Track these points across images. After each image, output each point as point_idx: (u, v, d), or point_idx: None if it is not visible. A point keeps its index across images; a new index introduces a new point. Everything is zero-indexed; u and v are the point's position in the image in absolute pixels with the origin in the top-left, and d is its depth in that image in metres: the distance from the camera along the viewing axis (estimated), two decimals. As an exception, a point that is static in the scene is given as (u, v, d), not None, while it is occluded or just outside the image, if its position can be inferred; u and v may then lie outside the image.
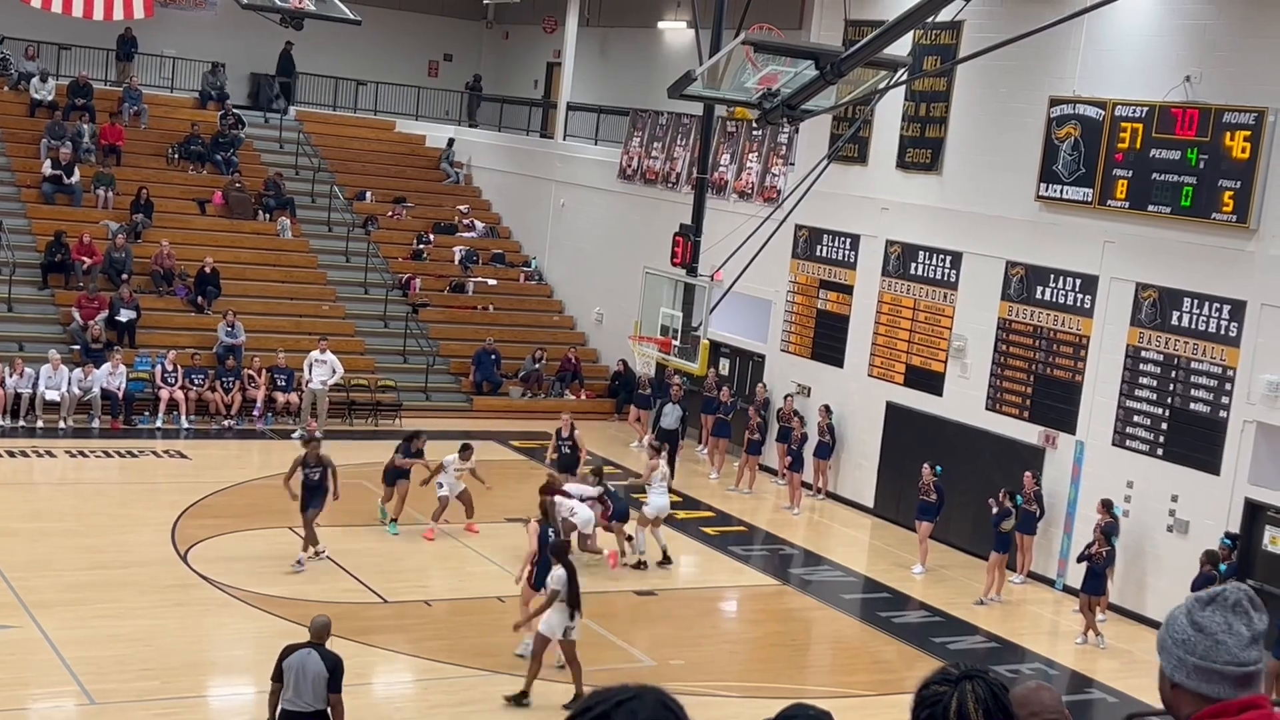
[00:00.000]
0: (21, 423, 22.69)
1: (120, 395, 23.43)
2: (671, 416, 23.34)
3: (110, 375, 23.38)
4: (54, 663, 13.41)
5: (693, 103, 22.59)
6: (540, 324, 30.27)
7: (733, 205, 25.00)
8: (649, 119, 28.56)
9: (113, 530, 18.01)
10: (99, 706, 12.78)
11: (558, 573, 13.57)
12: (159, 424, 23.69)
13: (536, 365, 27.85)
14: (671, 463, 22.71)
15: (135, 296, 25.43)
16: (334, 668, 10.48)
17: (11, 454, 21.22)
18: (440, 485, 19.05)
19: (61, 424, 22.83)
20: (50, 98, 29.83)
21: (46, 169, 27.88)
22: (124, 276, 25.82)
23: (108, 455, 21.83)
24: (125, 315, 24.98)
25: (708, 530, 20.79)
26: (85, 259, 25.93)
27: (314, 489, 17.18)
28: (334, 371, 24.56)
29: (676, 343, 21.03)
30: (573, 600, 13.51)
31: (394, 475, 19.31)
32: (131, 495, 19.70)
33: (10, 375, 22.76)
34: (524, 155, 32.73)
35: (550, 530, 15.59)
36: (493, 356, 27.63)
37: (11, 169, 28.25)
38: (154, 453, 22.15)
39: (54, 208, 27.58)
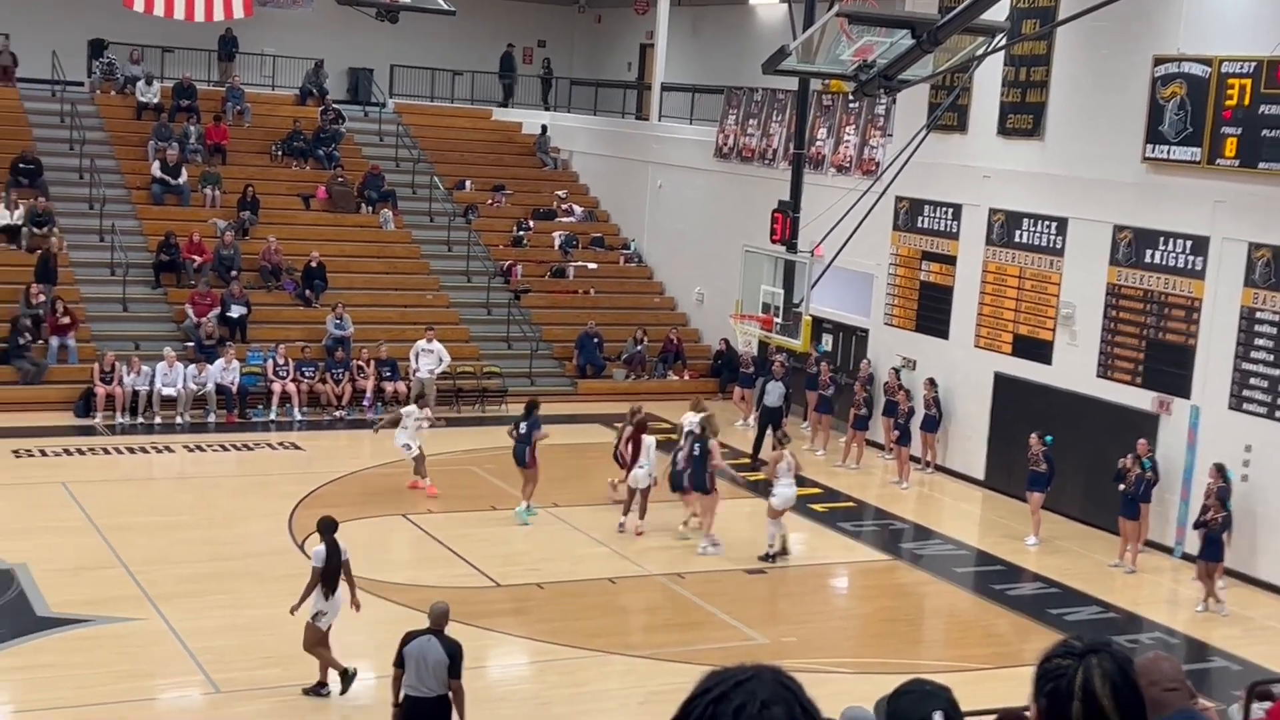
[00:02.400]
0: (140, 419, 23.23)
1: (234, 390, 23.89)
2: (774, 394, 23.24)
3: (224, 370, 23.85)
4: (179, 653, 13.73)
5: (788, 78, 22.44)
6: (641, 306, 30.29)
7: (831, 179, 24.81)
8: (744, 96, 28.41)
9: (231, 522, 18.37)
10: (224, 695, 13.07)
11: (318, 549, 12.81)
12: (273, 417, 24.10)
13: (639, 347, 27.90)
14: (777, 440, 22.62)
15: (245, 292, 25.90)
16: (454, 654, 10.58)
17: (131, 450, 21.74)
18: (408, 445, 19.56)
19: (178, 419, 23.34)
20: (156, 100, 30.44)
21: (155, 170, 28.47)
22: (233, 273, 26.30)
23: (224, 449, 22.28)
24: (236, 311, 25.46)
25: (816, 507, 20.68)
26: (195, 257, 26.45)
27: None
28: (441, 360, 24.80)
29: (778, 320, 20.96)
30: (329, 579, 12.71)
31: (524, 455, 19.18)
32: (248, 487, 20.09)
33: (128, 374, 23.30)
34: (620, 138, 32.74)
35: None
36: (595, 340, 27.72)
37: (121, 171, 28.89)
38: (269, 445, 22.57)
39: (163, 208, 28.16)
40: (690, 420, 19.36)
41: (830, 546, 19.06)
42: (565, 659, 14.33)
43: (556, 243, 31.05)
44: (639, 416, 19.26)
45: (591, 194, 33.48)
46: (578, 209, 32.50)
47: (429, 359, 24.69)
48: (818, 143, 25.77)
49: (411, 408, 20.28)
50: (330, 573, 12.71)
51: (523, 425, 18.98)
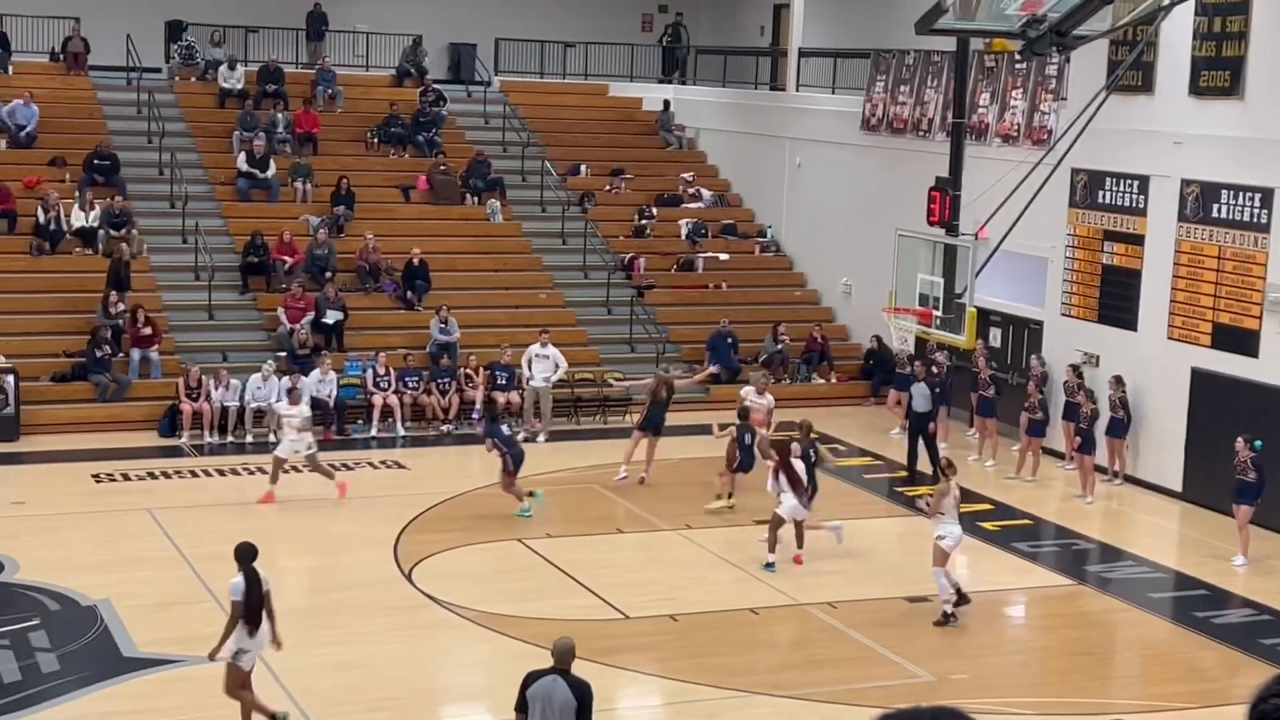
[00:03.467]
0: (230, 438, 23.74)
1: (331, 403, 24.29)
2: (919, 398, 23.00)
3: (320, 382, 24.23)
4: (278, 694, 13.98)
5: (944, 37, 22.27)
6: (780, 300, 30.19)
7: (996, 151, 24.54)
8: (894, 60, 28.20)
9: (331, 550, 18.72)
10: (328, 740, 13.30)
11: (235, 581, 12.72)
12: (374, 432, 24.47)
13: (779, 347, 27.82)
14: (931, 451, 22.46)
15: (341, 296, 26.33)
16: (583, 695, 10.59)
17: (221, 472, 22.21)
18: (311, 448, 20.43)
19: (271, 438, 23.79)
20: (240, 86, 31.13)
21: (240, 163, 29.10)
22: (328, 275, 26.75)
23: (321, 469, 22.67)
24: (332, 316, 25.89)
25: (986, 525, 20.44)
26: (286, 258, 26.97)
27: None
28: (557, 367, 24.93)
29: (938, 313, 20.77)
30: (250, 615, 12.61)
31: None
32: (349, 511, 20.40)
33: (216, 388, 23.82)
34: (752, 112, 32.70)
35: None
36: (729, 340, 27.69)
37: (203, 165, 29.60)
38: (370, 464, 22.92)
39: (250, 204, 28.79)
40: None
41: (1004, 570, 18.81)
42: (704, 699, 14.34)
43: (683, 232, 31.08)
44: (795, 438, 18.93)
45: (721, 176, 33.47)
46: (706, 193, 32.50)
47: (544, 365, 24.84)
48: (980, 110, 25.49)
49: (283, 403, 20.99)
50: (252, 606, 12.70)
51: (505, 428, 20.66)
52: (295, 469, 20.58)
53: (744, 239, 31.63)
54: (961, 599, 16.57)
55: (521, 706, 10.70)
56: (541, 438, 24.52)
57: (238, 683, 12.74)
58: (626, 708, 14.40)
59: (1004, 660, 15.97)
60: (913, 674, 15.07)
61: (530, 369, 24.85)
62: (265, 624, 12.82)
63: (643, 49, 36.37)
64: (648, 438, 21.63)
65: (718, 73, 35.48)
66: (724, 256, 30.74)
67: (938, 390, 23.25)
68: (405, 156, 31.22)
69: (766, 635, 16.33)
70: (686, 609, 16.74)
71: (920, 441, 22.80)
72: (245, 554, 12.96)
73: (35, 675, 14.29)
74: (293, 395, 21.34)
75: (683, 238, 30.99)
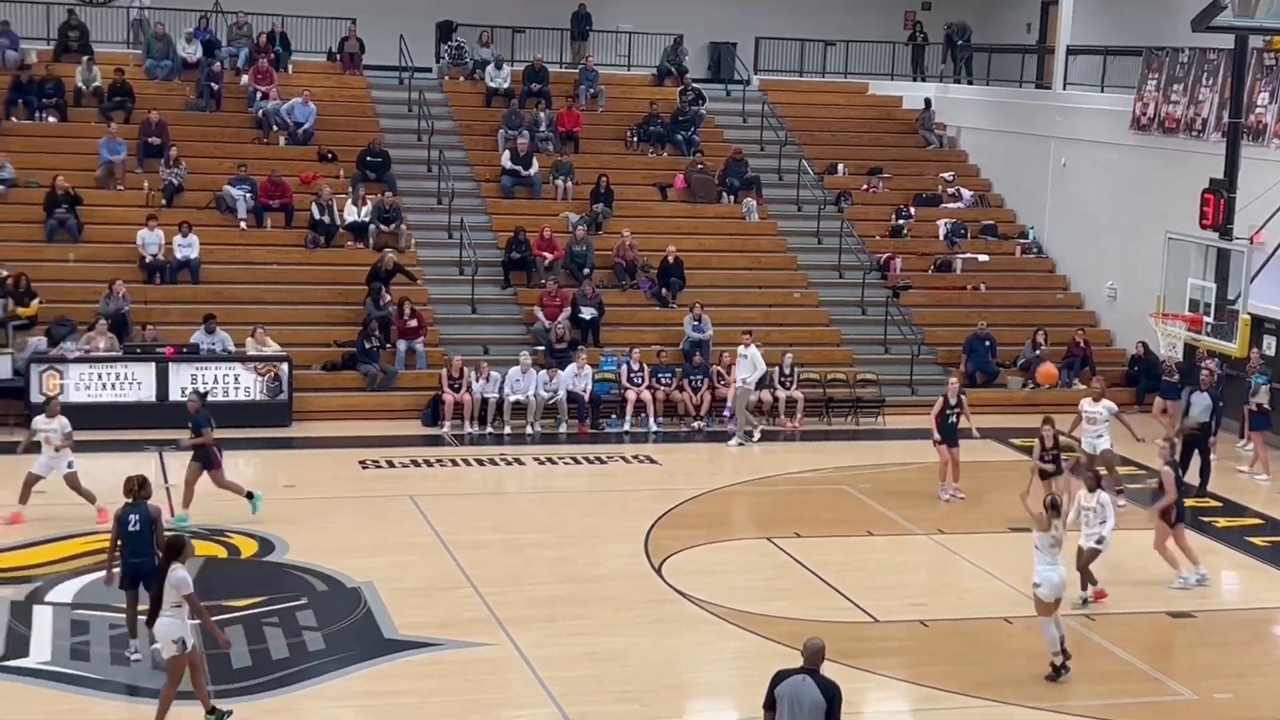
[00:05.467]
0: (489, 429, 24.30)
1: (586, 398, 24.67)
2: (1199, 407, 22.17)
3: (575, 377, 24.66)
4: (530, 681, 14.28)
5: (1221, 35, 21.53)
6: (1041, 303, 29.60)
7: (1274, 153, 23.72)
8: (1166, 57, 27.38)
9: (584, 541, 18.99)
10: (577, 729, 13.52)
11: (182, 575, 12.57)
12: (627, 427, 24.76)
13: (1038, 351, 27.26)
14: (1204, 464, 21.67)
15: (598, 292, 26.73)
16: (831, 697, 10.56)
17: (480, 462, 22.76)
18: (71, 465, 18.37)
19: (528, 430, 24.29)
20: (506, 85, 31.84)
21: (505, 161, 29.76)
22: (585, 271, 27.19)
23: (575, 461, 23.04)
24: (588, 312, 26.30)
25: (1255, 540, 19.67)
26: (546, 254, 27.49)
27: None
28: (755, 367, 24.46)
29: (1209, 319, 20.17)
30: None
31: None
32: (601, 504, 20.70)
33: (477, 380, 24.42)
34: (1016, 110, 32.10)
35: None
36: (986, 343, 27.24)
37: (470, 163, 30.36)
38: (622, 458, 23.19)
39: (513, 201, 29.42)
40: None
41: (1272, 587, 18.08)
42: (953, 708, 14.13)
43: (941, 232, 30.69)
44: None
45: (982, 176, 32.94)
46: (966, 193, 32.04)
47: (743, 366, 24.22)
48: (1258, 109, 24.58)
49: (40, 418, 18.66)
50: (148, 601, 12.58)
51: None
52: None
53: (1004, 240, 31.08)
54: (1064, 663, 14.69)
55: (770, 704, 10.72)
56: (756, 435, 24.26)
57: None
58: (874, 712, 14.27)
59: (1271, 680, 15.34)
60: (1174, 692, 14.60)
61: (736, 369, 24.59)
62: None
63: (905, 46, 36.00)
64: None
65: (981, 71, 34.92)
66: (984, 258, 30.25)
67: (1220, 402, 22.35)
68: (664, 155, 31.49)
69: (1019, 645, 15.97)
70: (937, 615, 16.51)
71: (1195, 452, 21.97)
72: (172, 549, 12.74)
73: (302, 653, 14.84)
74: (51, 408, 18.66)
75: (941, 238, 30.60)
